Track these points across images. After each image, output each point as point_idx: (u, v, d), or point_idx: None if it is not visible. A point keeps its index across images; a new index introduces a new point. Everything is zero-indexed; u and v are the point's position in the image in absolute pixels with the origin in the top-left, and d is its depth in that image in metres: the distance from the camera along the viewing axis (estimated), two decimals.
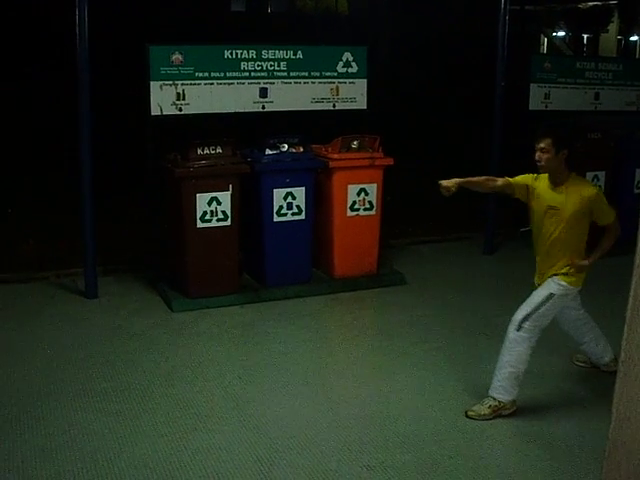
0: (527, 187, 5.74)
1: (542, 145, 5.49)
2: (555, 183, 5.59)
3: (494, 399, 5.61)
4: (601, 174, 9.87)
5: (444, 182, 5.75)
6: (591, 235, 5.69)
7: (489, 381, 5.69)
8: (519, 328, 5.56)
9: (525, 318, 5.56)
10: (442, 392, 6.04)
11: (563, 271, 5.61)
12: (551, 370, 6.45)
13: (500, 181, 5.87)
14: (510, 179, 5.83)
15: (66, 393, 5.91)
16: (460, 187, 5.79)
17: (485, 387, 5.76)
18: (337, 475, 4.89)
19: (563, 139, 5.53)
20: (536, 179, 5.73)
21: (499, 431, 5.47)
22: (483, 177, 5.98)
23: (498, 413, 5.59)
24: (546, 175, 5.64)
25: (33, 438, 5.23)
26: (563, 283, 5.60)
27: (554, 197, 5.59)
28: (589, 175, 9.72)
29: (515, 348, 5.57)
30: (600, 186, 9.83)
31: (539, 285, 5.74)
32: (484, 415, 5.58)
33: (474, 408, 5.64)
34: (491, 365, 6.02)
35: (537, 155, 5.53)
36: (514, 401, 5.65)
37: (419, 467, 5.00)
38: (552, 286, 5.62)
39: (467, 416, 5.61)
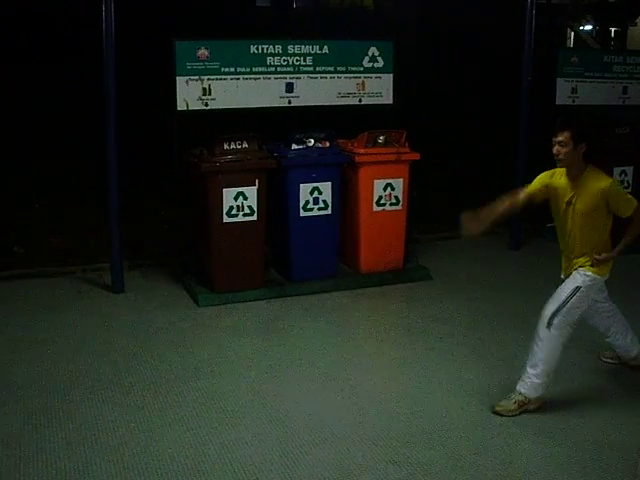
0: (546, 187, 5.69)
1: (560, 139, 5.40)
2: (572, 178, 5.52)
3: (520, 394, 5.58)
4: (629, 169, 9.79)
5: (468, 228, 5.78)
6: (615, 228, 5.65)
7: (516, 377, 5.66)
8: (549, 325, 5.50)
9: (554, 314, 5.50)
10: (468, 388, 6.01)
11: (588, 264, 5.57)
12: (578, 366, 6.39)
13: (521, 195, 5.81)
14: (528, 189, 5.79)
15: (92, 387, 5.94)
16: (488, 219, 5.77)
17: (512, 383, 5.73)
18: (363, 470, 4.88)
19: (582, 132, 5.44)
20: (553, 176, 5.67)
21: (525, 428, 5.43)
22: (504, 203, 5.82)
23: (524, 408, 5.56)
24: (563, 170, 5.58)
25: (59, 431, 5.26)
26: (589, 274, 5.56)
27: (570, 192, 5.53)
28: (617, 170, 9.67)
29: (547, 345, 5.51)
30: (628, 181, 9.77)
31: (566, 276, 5.72)
32: (511, 411, 5.55)
33: (501, 403, 5.60)
34: (518, 361, 6.03)
35: (555, 149, 5.44)
36: (541, 397, 5.62)
37: (444, 463, 4.98)
38: (578, 278, 5.58)
39: (494, 412, 5.57)
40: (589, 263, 5.56)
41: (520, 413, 5.55)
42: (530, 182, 5.83)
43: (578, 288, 5.55)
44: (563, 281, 5.72)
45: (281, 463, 4.92)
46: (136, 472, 4.79)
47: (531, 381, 5.56)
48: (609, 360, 6.46)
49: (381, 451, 5.10)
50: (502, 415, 5.54)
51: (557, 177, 5.64)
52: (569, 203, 5.53)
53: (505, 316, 7.57)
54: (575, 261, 5.64)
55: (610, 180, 5.55)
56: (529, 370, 5.58)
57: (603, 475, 4.89)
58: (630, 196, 5.56)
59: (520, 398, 5.57)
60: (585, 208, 5.47)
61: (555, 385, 5.79)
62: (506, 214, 5.84)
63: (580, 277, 5.57)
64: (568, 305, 5.52)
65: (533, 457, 5.08)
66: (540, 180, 5.74)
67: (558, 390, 5.89)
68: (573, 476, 4.87)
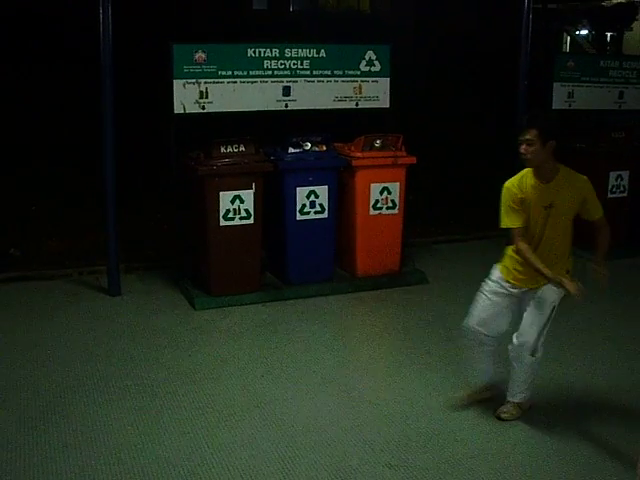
0: (521, 204, 5.24)
1: (528, 137, 5.08)
2: (545, 179, 5.19)
3: (514, 403, 5.59)
4: (625, 174, 9.80)
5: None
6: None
7: None
8: (533, 353, 5.36)
9: (537, 340, 5.32)
10: (465, 391, 6.01)
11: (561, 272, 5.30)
12: (580, 371, 6.42)
13: (524, 242, 5.30)
14: (519, 230, 5.29)
15: (89, 389, 5.94)
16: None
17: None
18: (359, 473, 4.88)
19: (549, 129, 5.13)
20: (519, 187, 5.24)
21: (521, 431, 5.44)
22: (536, 256, 5.26)
23: (522, 412, 5.59)
24: (528, 174, 5.23)
25: (56, 434, 5.26)
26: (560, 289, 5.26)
27: (547, 195, 5.18)
28: (613, 174, 9.68)
29: (531, 369, 5.45)
30: (624, 186, 9.78)
31: (529, 289, 5.37)
32: (515, 415, 5.56)
33: (504, 410, 5.57)
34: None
35: (522, 148, 5.11)
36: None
37: (440, 466, 4.98)
38: (552, 296, 5.30)
39: (501, 418, 5.54)
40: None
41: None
42: None
43: (554, 308, 5.34)
44: (523, 289, 5.42)
45: (277, 466, 4.92)
46: (133, 475, 4.79)
47: (520, 392, 5.55)
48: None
49: (377, 455, 5.10)
50: (509, 420, 5.55)
51: (525, 181, 5.25)
52: (549, 207, 5.19)
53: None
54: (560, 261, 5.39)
55: (585, 177, 5.27)
56: (515, 387, 5.54)
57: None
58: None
59: (516, 403, 5.58)
60: (569, 210, 5.23)
61: (549, 390, 5.81)
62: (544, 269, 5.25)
63: (554, 294, 5.30)
64: (547, 327, 5.37)
65: (529, 461, 5.09)
66: (514, 207, 5.27)
67: (554, 396, 5.90)
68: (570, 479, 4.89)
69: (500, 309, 5.48)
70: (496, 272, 5.54)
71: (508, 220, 5.31)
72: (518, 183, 5.28)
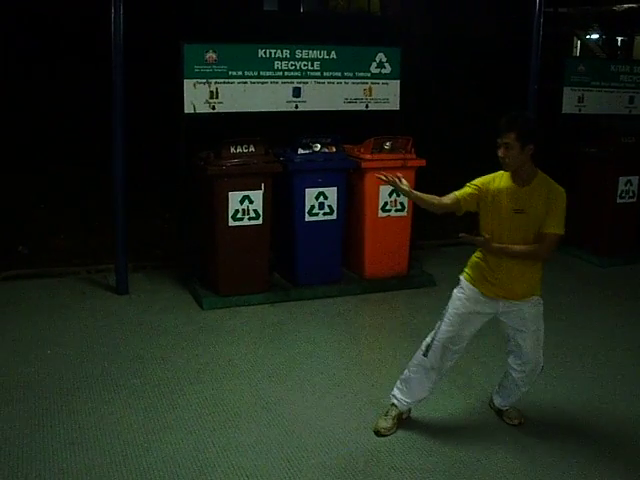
0: (478, 193, 5.08)
1: (506, 140, 4.87)
2: (521, 183, 4.99)
3: (513, 408, 5.63)
4: (634, 179, 9.77)
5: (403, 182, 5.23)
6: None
7: None
8: (542, 370, 5.45)
9: (542, 357, 5.36)
10: (471, 394, 6.02)
11: (538, 288, 5.23)
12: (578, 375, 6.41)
13: (446, 200, 5.21)
14: (458, 194, 5.17)
15: (96, 388, 5.95)
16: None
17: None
18: (364, 476, 4.88)
19: (529, 133, 4.90)
20: (493, 181, 5.09)
21: (531, 435, 5.44)
22: (434, 198, 5.25)
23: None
24: (506, 174, 5.04)
25: (64, 431, 5.27)
26: (541, 300, 5.27)
27: (520, 199, 4.97)
28: (622, 180, 9.66)
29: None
30: (633, 191, 9.75)
31: (497, 296, 5.14)
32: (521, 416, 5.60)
33: (515, 415, 5.59)
34: None
35: (501, 151, 4.92)
36: None
37: (447, 470, 4.98)
38: (540, 310, 5.28)
39: (519, 423, 5.56)
40: (538, 288, 5.23)
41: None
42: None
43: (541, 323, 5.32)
44: (478, 301, 5.19)
45: (283, 467, 4.93)
46: (138, 474, 4.79)
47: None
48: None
49: (383, 457, 5.10)
50: (522, 424, 5.57)
51: (498, 182, 5.07)
52: (519, 211, 4.96)
53: None
54: (525, 284, 5.14)
55: (562, 190, 5.01)
56: (515, 396, 5.57)
57: None
58: (563, 222, 4.99)
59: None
60: (538, 218, 4.95)
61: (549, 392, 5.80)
62: (427, 205, 5.32)
63: (541, 307, 5.28)
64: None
65: (538, 465, 5.09)
66: (473, 186, 5.13)
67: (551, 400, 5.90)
68: None
69: (469, 322, 5.27)
70: (463, 281, 5.33)
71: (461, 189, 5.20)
72: (493, 178, 5.12)
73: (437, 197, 5.25)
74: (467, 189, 5.14)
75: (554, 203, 4.94)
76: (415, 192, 5.26)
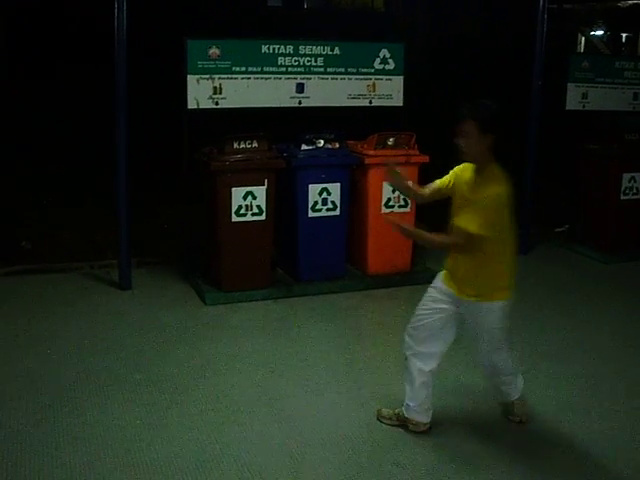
0: (453, 180, 5.01)
1: (465, 128, 4.74)
2: (477, 173, 4.83)
3: (519, 404, 5.55)
4: (638, 175, 9.74)
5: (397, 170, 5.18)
6: None
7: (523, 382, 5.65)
8: (514, 375, 5.42)
9: (498, 362, 5.27)
10: (475, 391, 6.01)
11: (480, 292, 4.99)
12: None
13: (427, 190, 5.19)
14: (439, 181, 5.13)
15: (99, 383, 5.95)
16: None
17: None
18: (367, 471, 4.88)
19: (488, 122, 4.70)
20: (464, 169, 4.97)
21: (532, 431, 5.44)
22: (418, 187, 5.27)
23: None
24: (472, 165, 4.91)
25: (66, 426, 5.28)
26: (499, 303, 5.05)
27: (470, 189, 4.83)
28: (626, 176, 9.65)
29: (512, 375, 5.44)
30: (637, 188, 9.74)
31: (455, 292, 5.06)
32: (526, 409, 5.57)
33: (518, 412, 5.52)
34: (524, 365, 6.04)
35: (459, 139, 4.79)
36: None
37: (450, 465, 4.98)
38: (498, 316, 5.09)
39: (520, 421, 5.51)
40: (500, 294, 5.06)
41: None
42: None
43: (501, 328, 5.17)
44: (442, 292, 5.14)
45: (286, 462, 4.93)
46: (141, 469, 4.80)
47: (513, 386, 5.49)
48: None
49: (386, 452, 5.10)
50: (526, 422, 5.53)
51: (465, 171, 4.96)
52: (467, 201, 4.81)
53: (512, 319, 7.54)
54: (471, 282, 5.00)
55: (500, 189, 4.72)
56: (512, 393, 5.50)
57: None
58: (487, 223, 4.66)
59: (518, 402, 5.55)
60: None
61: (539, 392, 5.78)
62: (410, 194, 5.44)
63: (499, 314, 5.11)
64: (502, 342, 5.26)
65: (540, 461, 5.08)
66: (450, 174, 5.07)
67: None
68: None
69: (437, 312, 5.18)
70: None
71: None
72: (459, 168, 5.04)
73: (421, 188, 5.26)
74: (446, 177, 5.10)
75: (481, 200, 4.69)
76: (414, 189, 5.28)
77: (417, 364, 5.22)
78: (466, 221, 4.72)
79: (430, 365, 5.21)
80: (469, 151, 4.79)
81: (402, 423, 5.39)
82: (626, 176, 9.66)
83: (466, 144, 4.77)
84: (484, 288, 4.96)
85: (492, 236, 4.72)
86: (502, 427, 5.49)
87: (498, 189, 4.71)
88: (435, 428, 5.40)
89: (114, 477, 4.71)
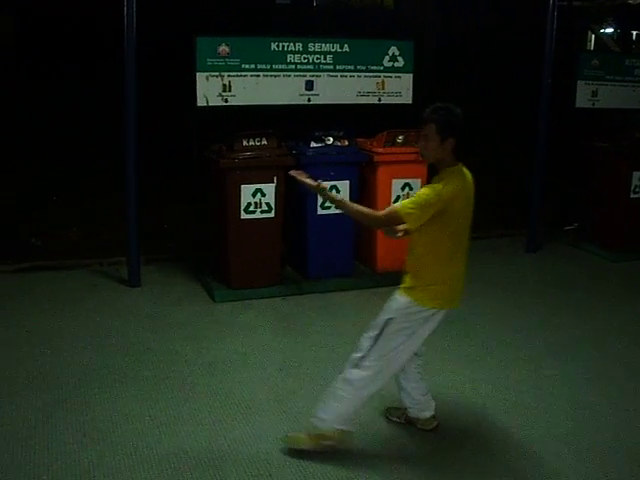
0: None
1: (424, 131, 4.68)
2: (437, 175, 4.73)
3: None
4: None
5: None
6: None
7: (531, 380, 5.65)
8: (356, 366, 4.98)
9: (363, 357, 4.92)
10: (481, 389, 6.01)
11: (406, 285, 4.88)
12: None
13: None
14: None
15: (108, 380, 5.97)
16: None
17: (526, 384, 5.74)
18: (374, 468, 4.89)
19: (449, 125, 4.64)
20: None
21: (536, 432, 5.43)
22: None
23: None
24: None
25: (75, 423, 5.29)
26: (404, 299, 4.86)
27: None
28: (636, 174, 9.62)
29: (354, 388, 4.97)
30: None
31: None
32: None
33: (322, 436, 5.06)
34: (532, 362, 6.04)
35: (420, 144, 4.77)
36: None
37: (456, 463, 4.98)
38: (394, 307, 4.90)
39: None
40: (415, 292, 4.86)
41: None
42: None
43: (387, 322, 4.87)
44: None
45: (294, 460, 4.93)
46: (150, 465, 4.80)
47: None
48: (396, 419, 5.52)
49: (393, 449, 5.11)
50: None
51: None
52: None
53: (518, 319, 7.56)
54: (406, 267, 4.94)
55: (442, 188, 4.58)
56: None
57: None
58: (416, 210, 4.52)
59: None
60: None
61: None
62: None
63: (396, 305, 4.92)
64: (381, 344, 4.90)
65: (546, 463, 5.08)
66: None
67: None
68: None
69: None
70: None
71: None
72: None
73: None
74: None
75: (421, 191, 4.65)
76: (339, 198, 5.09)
77: (400, 376, 5.27)
78: (402, 204, 4.61)
79: (410, 371, 5.25)
80: (430, 154, 4.72)
81: (409, 422, 5.41)
82: (636, 174, 9.63)
83: (426, 147, 4.71)
84: (414, 281, 4.86)
85: (412, 226, 4.62)
86: (508, 428, 5.48)
87: (439, 187, 4.60)
88: (443, 425, 5.40)
89: (123, 473, 4.72)
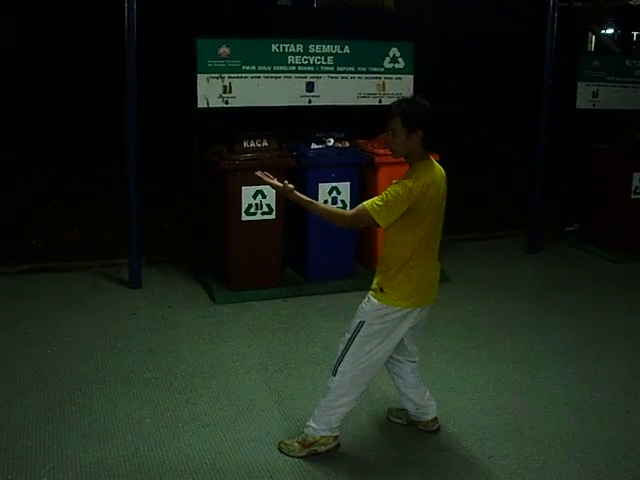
0: None
1: (391, 126, 4.61)
2: (407, 170, 4.68)
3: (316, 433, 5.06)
4: None
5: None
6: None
7: (531, 380, 5.64)
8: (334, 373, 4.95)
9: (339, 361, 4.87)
10: (483, 391, 6.01)
11: (377, 285, 4.77)
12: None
13: None
14: None
15: (109, 381, 5.97)
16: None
17: (526, 385, 5.74)
18: (375, 470, 4.89)
19: (415, 118, 4.56)
20: None
21: (540, 434, 5.43)
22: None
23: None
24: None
25: (76, 424, 5.29)
26: (376, 301, 4.74)
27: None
28: (637, 175, 9.62)
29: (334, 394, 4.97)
30: None
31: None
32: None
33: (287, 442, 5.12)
34: (532, 363, 6.03)
35: (387, 139, 4.70)
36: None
37: (456, 466, 4.97)
38: (365, 309, 4.79)
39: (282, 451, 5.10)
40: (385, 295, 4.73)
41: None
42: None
43: (360, 325, 4.80)
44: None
45: (295, 461, 4.93)
46: (151, 467, 4.81)
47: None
48: (397, 420, 5.50)
49: (395, 452, 5.11)
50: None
51: None
52: None
53: (519, 320, 7.56)
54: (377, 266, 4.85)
55: (411, 183, 4.52)
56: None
57: None
58: (385, 208, 4.49)
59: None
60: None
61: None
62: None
63: (367, 308, 4.81)
64: (354, 348, 4.85)
65: (549, 465, 5.08)
66: None
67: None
68: None
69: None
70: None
71: None
72: None
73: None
74: None
75: (390, 187, 4.57)
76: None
77: (398, 383, 5.29)
78: (371, 202, 4.55)
79: (407, 376, 5.22)
80: (398, 148, 4.65)
81: (410, 423, 5.40)
82: (637, 175, 9.63)
83: (394, 142, 4.64)
84: (383, 280, 4.74)
85: (383, 224, 4.57)
86: (512, 429, 5.48)
87: (409, 182, 4.53)
88: (445, 428, 5.40)
89: (123, 475, 4.72)
